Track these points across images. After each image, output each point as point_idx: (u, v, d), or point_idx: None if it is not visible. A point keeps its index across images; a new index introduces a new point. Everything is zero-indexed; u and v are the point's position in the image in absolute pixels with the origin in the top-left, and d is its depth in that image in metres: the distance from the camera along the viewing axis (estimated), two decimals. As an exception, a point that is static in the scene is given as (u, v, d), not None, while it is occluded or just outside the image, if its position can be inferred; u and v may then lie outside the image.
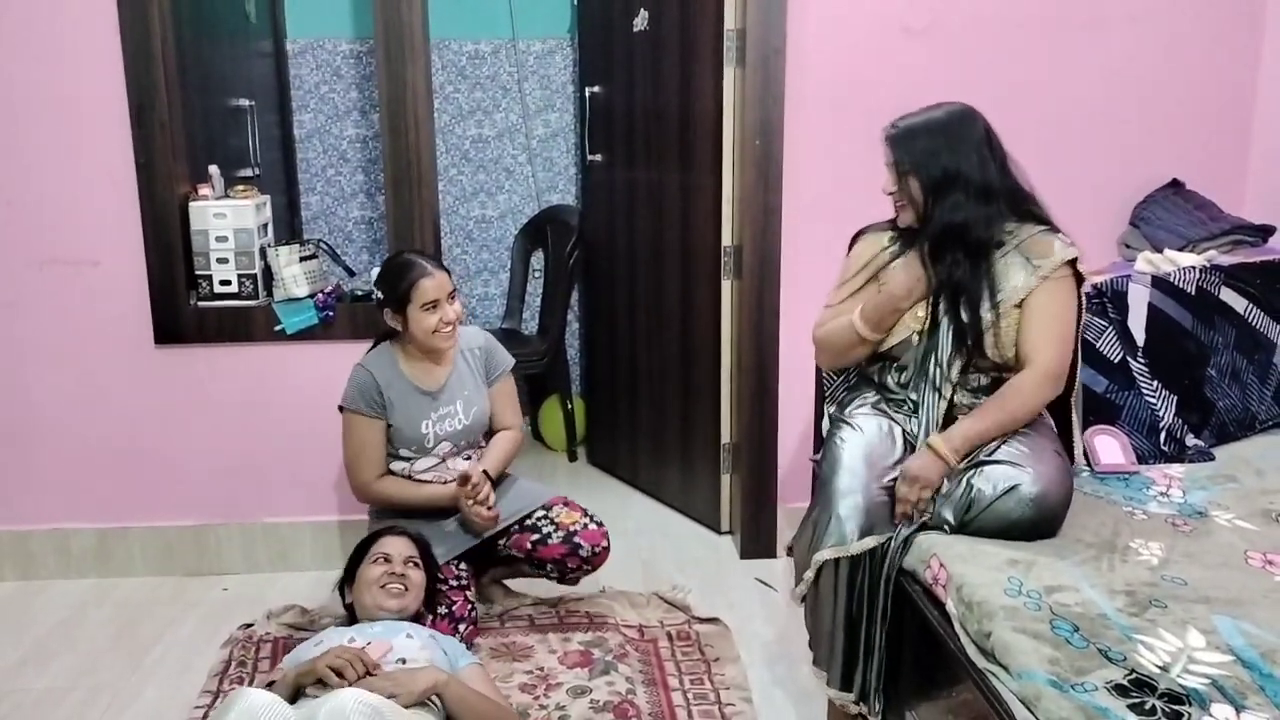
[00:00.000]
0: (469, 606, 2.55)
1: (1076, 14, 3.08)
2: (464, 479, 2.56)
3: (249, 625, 2.78)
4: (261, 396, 3.04)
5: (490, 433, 2.77)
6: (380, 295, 2.60)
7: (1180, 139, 3.20)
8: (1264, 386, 2.63)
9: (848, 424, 2.20)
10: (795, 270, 3.08)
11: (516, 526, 2.68)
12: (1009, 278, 2.14)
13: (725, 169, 3.12)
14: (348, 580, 2.38)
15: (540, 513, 2.69)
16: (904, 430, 2.19)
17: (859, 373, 2.37)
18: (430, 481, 2.66)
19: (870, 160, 3.06)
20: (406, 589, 2.27)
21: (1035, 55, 3.08)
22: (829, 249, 3.09)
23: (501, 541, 2.68)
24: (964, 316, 2.13)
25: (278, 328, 2.95)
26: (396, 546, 2.34)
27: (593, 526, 2.69)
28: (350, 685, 1.92)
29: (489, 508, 2.59)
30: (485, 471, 2.61)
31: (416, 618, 2.34)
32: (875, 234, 2.35)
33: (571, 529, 2.65)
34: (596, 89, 3.74)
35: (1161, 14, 3.10)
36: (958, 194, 2.12)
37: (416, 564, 2.34)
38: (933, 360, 2.17)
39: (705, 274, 3.28)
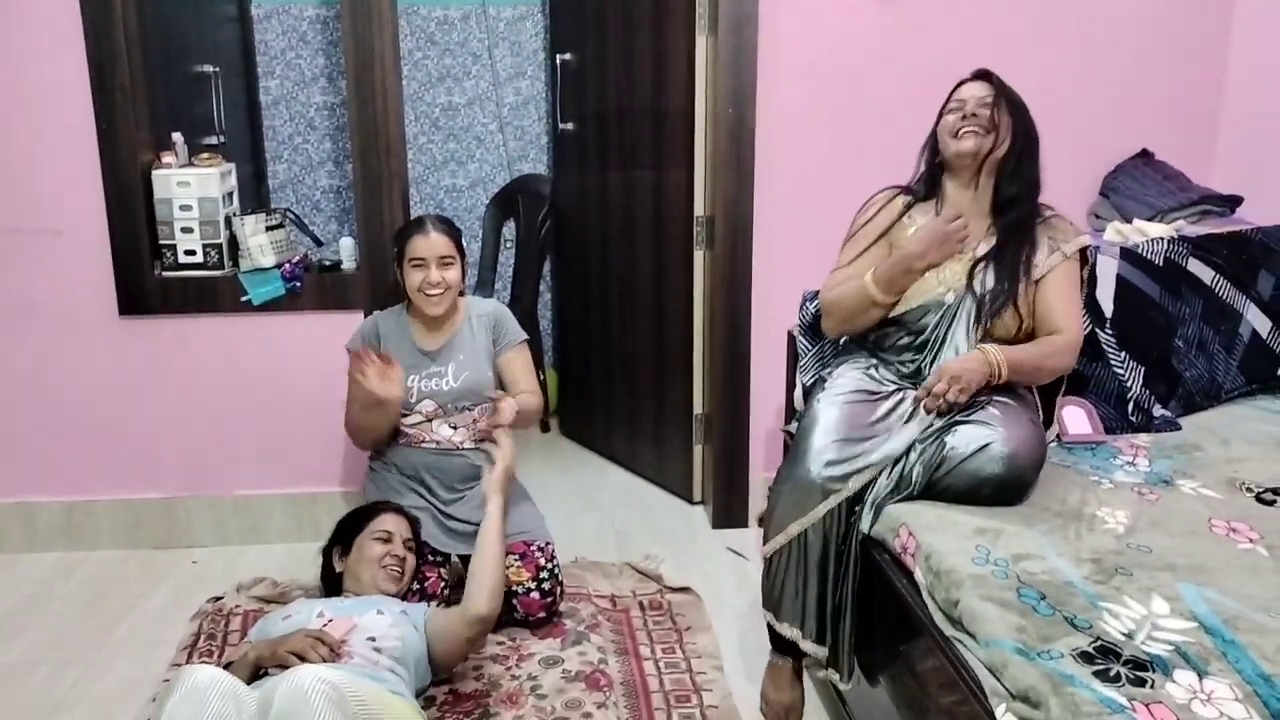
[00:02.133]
0: (442, 584, 2.54)
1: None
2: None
3: (218, 598, 2.77)
4: (229, 368, 3.01)
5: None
6: (394, 252, 2.72)
7: (1150, 109, 3.21)
8: (1230, 357, 2.66)
9: (829, 389, 2.22)
10: (768, 240, 3.07)
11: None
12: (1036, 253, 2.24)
13: (697, 138, 3.10)
14: (340, 546, 2.38)
15: None
16: (893, 397, 2.19)
17: (852, 336, 2.38)
18: (421, 446, 2.65)
19: (842, 128, 3.07)
20: (403, 573, 2.30)
21: (1006, 25, 3.07)
22: (801, 218, 3.10)
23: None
24: (995, 289, 2.18)
25: (244, 298, 2.92)
26: (397, 525, 2.38)
27: (535, 595, 2.55)
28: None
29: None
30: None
31: (420, 578, 2.38)
32: (887, 198, 2.36)
33: (515, 588, 2.54)
34: (568, 56, 3.70)
35: (1132, -16, 3.10)
36: (1037, 159, 2.26)
37: (411, 547, 2.37)
38: (955, 328, 2.20)
39: (678, 243, 3.26)
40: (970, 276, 2.21)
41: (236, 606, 2.72)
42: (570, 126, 3.75)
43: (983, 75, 2.27)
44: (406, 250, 2.62)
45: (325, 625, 2.04)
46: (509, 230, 4.24)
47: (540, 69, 4.19)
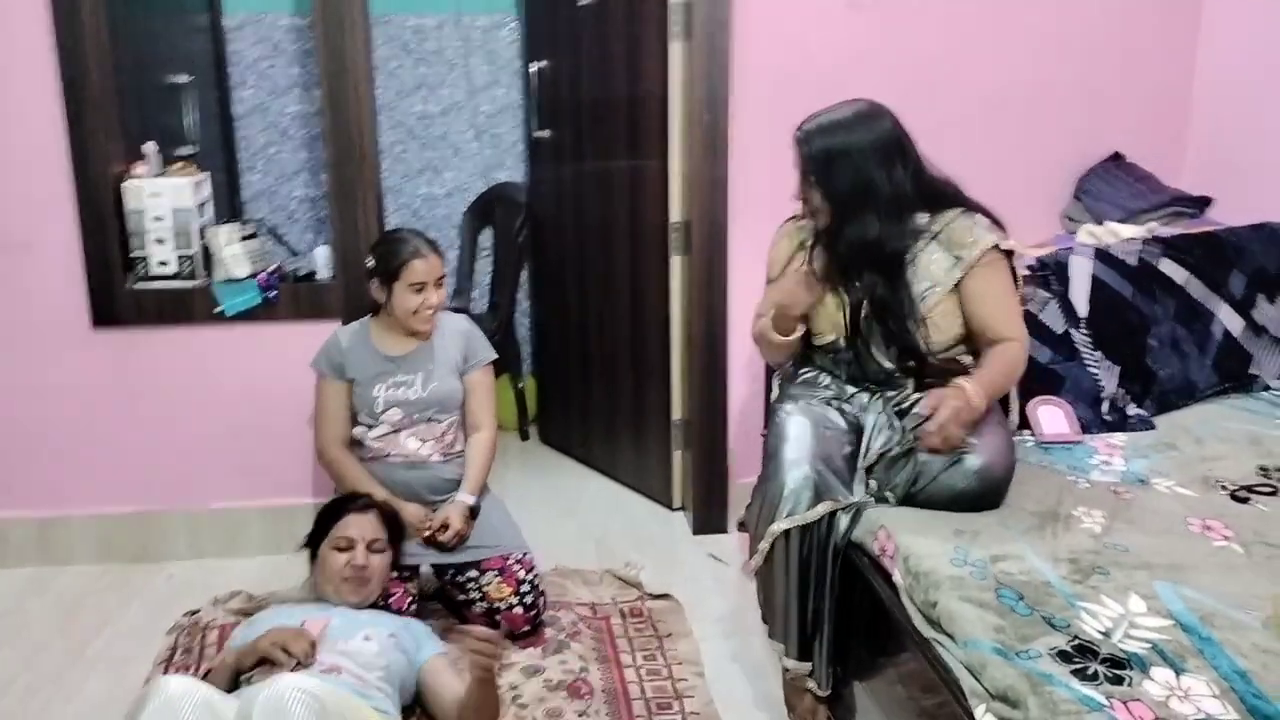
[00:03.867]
0: (409, 599, 2.49)
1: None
2: (430, 527, 2.52)
3: (194, 612, 2.74)
4: (203, 380, 2.98)
5: (464, 426, 2.73)
6: (371, 264, 2.61)
7: (1121, 112, 3.23)
8: (1203, 356, 2.68)
9: (792, 398, 2.22)
10: (743, 245, 3.08)
11: (453, 569, 2.57)
12: (930, 267, 2.16)
13: (672, 144, 3.11)
14: (310, 551, 2.36)
15: (473, 573, 2.55)
16: (855, 399, 2.21)
17: (804, 355, 2.38)
18: (388, 460, 2.62)
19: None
20: (369, 579, 2.26)
21: (978, 29, 3.09)
22: (776, 223, 3.09)
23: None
24: (893, 329, 2.15)
25: (218, 309, 2.89)
26: (361, 527, 2.31)
27: (519, 609, 2.52)
28: (298, 661, 1.90)
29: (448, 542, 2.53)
30: (466, 508, 2.56)
31: (385, 593, 2.34)
32: (790, 228, 2.36)
33: (496, 605, 2.52)
34: (543, 64, 3.70)
35: (1101, -12, 3.13)
36: (868, 210, 2.12)
37: (381, 548, 2.31)
38: (870, 362, 2.20)
39: (654, 250, 3.26)
40: (854, 325, 2.20)
41: (213, 620, 2.69)
42: (546, 134, 3.75)
43: (796, 139, 2.18)
44: (403, 274, 2.53)
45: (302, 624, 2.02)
46: (485, 238, 4.23)
47: (516, 77, 4.19)
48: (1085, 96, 3.20)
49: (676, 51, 3.04)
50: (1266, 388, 2.69)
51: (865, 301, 2.17)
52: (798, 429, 2.12)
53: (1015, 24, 3.11)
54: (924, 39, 3.04)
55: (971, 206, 2.20)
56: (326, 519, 2.35)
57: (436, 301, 2.58)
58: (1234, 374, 2.70)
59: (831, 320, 2.24)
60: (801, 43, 3.02)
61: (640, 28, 3.17)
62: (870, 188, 2.10)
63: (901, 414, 2.19)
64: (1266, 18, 2.98)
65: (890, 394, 2.21)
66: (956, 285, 2.15)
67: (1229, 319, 2.71)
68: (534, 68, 3.72)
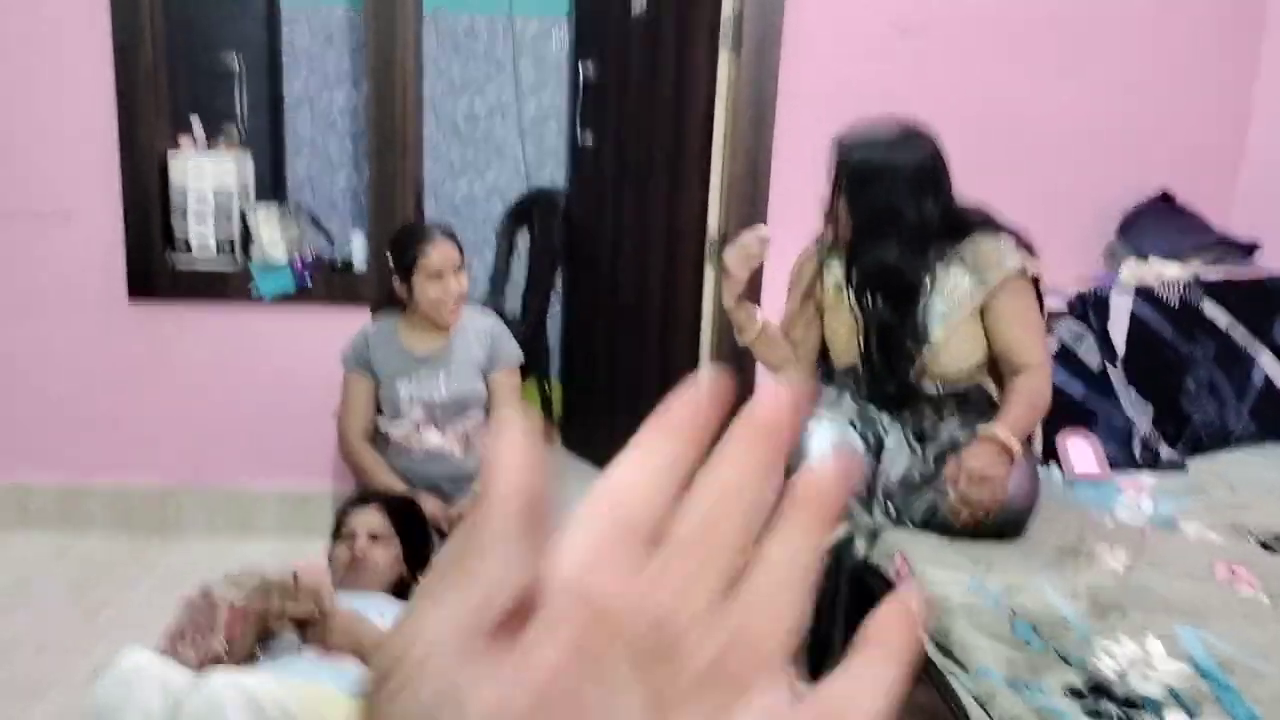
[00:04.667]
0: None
1: (1071, 21, 3.06)
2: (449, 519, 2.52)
3: (207, 589, 2.74)
4: (232, 359, 3.00)
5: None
6: (390, 262, 2.61)
7: (1171, 150, 3.18)
8: (1240, 402, 2.62)
9: (813, 416, 2.19)
10: (779, 262, 3.04)
11: None
12: (954, 291, 2.12)
13: (714, 157, 3.09)
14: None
15: None
16: (879, 420, 2.19)
17: (825, 370, 2.36)
18: (410, 453, 2.62)
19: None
20: (366, 567, 2.24)
21: (1028, 61, 3.06)
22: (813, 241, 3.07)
23: None
24: (891, 360, 2.14)
25: (253, 290, 2.91)
26: (360, 520, 2.30)
27: None
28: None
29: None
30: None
31: (402, 584, 2.32)
32: (812, 253, 2.35)
33: None
34: (590, 70, 3.71)
35: (1160, 23, 3.08)
36: (889, 236, 2.09)
37: (378, 536, 2.29)
38: (888, 383, 2.17)
39: (689, 262, 3.25)
40: (867, 347, 2.18)
41: (224, 597, 2.69)
42: (589, 140, 3.75)
43: (832, 146, 2.16)
44: (421, 263, 2.54)
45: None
46: (522, 241, 4.24)
47: (563, 82, 4.20)
48: (1135, 133, 3.15)
49: (724, 64, 3.03)
50: (1305, 439, 2.63)
51: (871, 326, 2.15)
52: (818, 449, 2.09)
53: (1068, 58, 3.08)
54: (974, 68, 3.02)
55: (1000, 228, 2.16)
56: (336, 522, 2.36)
57: (458, 289, 2.56)
58: (1273, 423, 2.64)
59: (847, 343, 2.21)
60: (851, 64, 3.00)
61: (691, 40, 3.16)
62: (897, 215, 2.07)
63: (921, 437, 2.16)
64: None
65: (909, 415, 2.18)
66: (980, 308, 2.11)
67: (1270, 366, 2.65)
68: (581, 73, 3.72)
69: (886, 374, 2.15)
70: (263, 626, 1.92)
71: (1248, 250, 2.97)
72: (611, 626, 0.25)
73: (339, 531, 2.30)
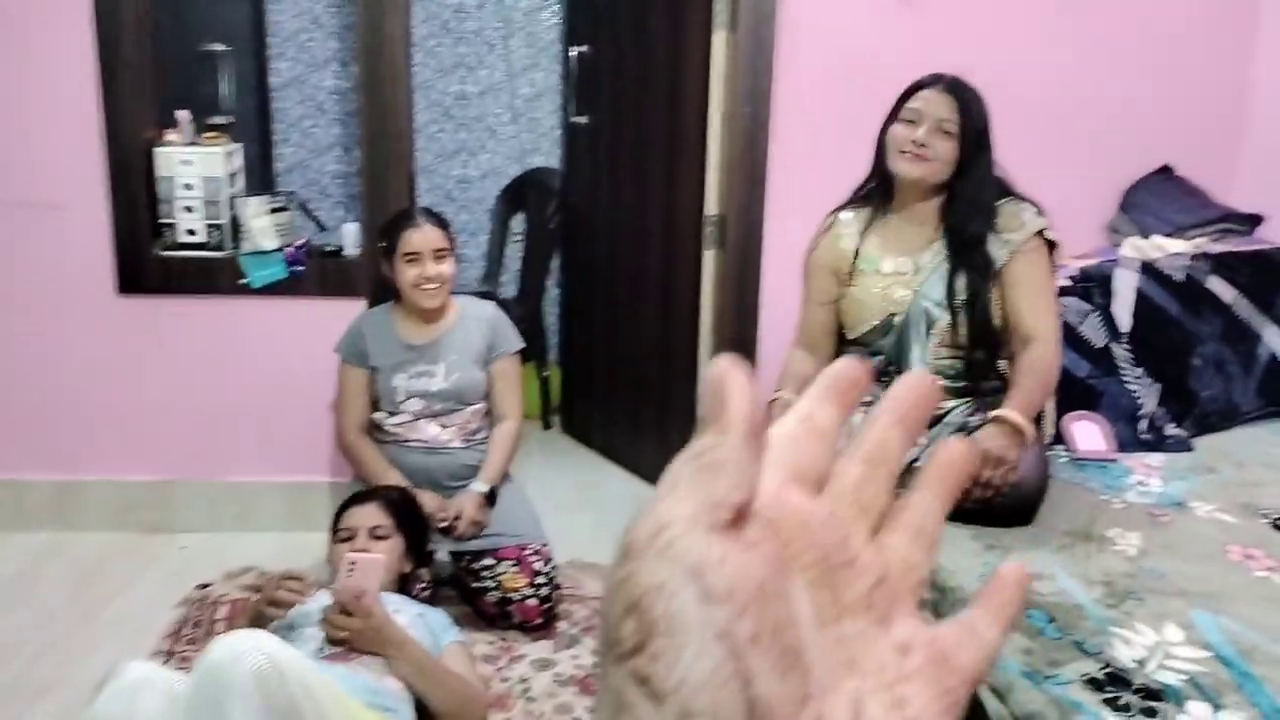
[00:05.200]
0: (421, 585, 2.43)
1: (1072, -5, 3.02)
2: (445, 516, 2.49)
3: (206, 586, 2.72)
4: (226, 351, 2.96)
5: (490, 414, 2.69)
6: (381, 244, 2.62)
7: (1172, 124, 3.14)
8: (1248, 378, 2.60)
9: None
10: (779, 242, 3.02)
11: (469, 555, 2.53)
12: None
13: (711, 136, 3.05)
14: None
15: (489, 561, 2.51)
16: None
17: (837, 355, 2.33)
18: (407, 445, 2.58)
19: (859, 132, 3.00)
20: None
21: (1029, 35, 3.01)
22: (814, 222, 3.03)
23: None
24: (973, 289, 2.10)
25: (244, 281, 2.87)
26: (361, 518, 2.27)
27: (533, 601, 2.48)
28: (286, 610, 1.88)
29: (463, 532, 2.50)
30: (480, 494, 2.52)
31: (404, 581, 2.29)
32: (832, 232, 2.30)
33: (510, 595, 2.48)
34: (584, 49, 3.65)
35: (1158, -3, 3.04)
36: (986, 169, 2.12)
37: (382, 535, 2.26)
38: (915, 341, 2.13)
39: (687, 242, 3.21)
40: (951, 291, 2.14)
41: (224, 595, 2.67)
42: (584, 120, 3.70)
43: (949, 87, 2.13)
44: (399, 244, 2.52)
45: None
46: (518, 224, 4.19)
47: (555, 61, 4.14)
48: (1136, 107, 3.11)
49: (720, 42, 2.98)
50: (1312, 414, 2.61)
51: (962, 260, 2.10)
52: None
53: (1067, 31, 3.03)
54: (974, 41, 2.96)
55: (1018, 195, 2.17)
56: (335, 519, 2.33)
57: (435, 274, 2.51)
58: (1279, 399, 2.61)
59: (870, 307, 2.17)
60: (849, 39, 2.95)
61: (684, 16, 3.11)
62: (990, 150, 2.14)
63: (932, 422, 2.13)
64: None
65: None
66: (999, 272, 2.09)
67: (1275, 341, 2.63)
68: (574, 52, 3.67)
69: (970, 341, 2.12)
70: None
71: (1252, 223, 2.94)
72: (812, 535, 0.31)
73: (338, 530, 2.27)
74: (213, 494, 3.06)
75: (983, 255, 2.09)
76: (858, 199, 2.27)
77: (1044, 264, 2.12)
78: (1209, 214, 2.95)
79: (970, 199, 2.09)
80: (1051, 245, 2.14)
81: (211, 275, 2.87)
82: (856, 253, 2.20)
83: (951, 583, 1.77)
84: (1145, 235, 2.92)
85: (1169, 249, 2.73)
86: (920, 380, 0.35)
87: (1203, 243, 2.82)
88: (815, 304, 2.27)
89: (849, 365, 0.35)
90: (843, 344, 2.28)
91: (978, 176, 2.10)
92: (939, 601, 1.78)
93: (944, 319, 2.11)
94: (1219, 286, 2.62)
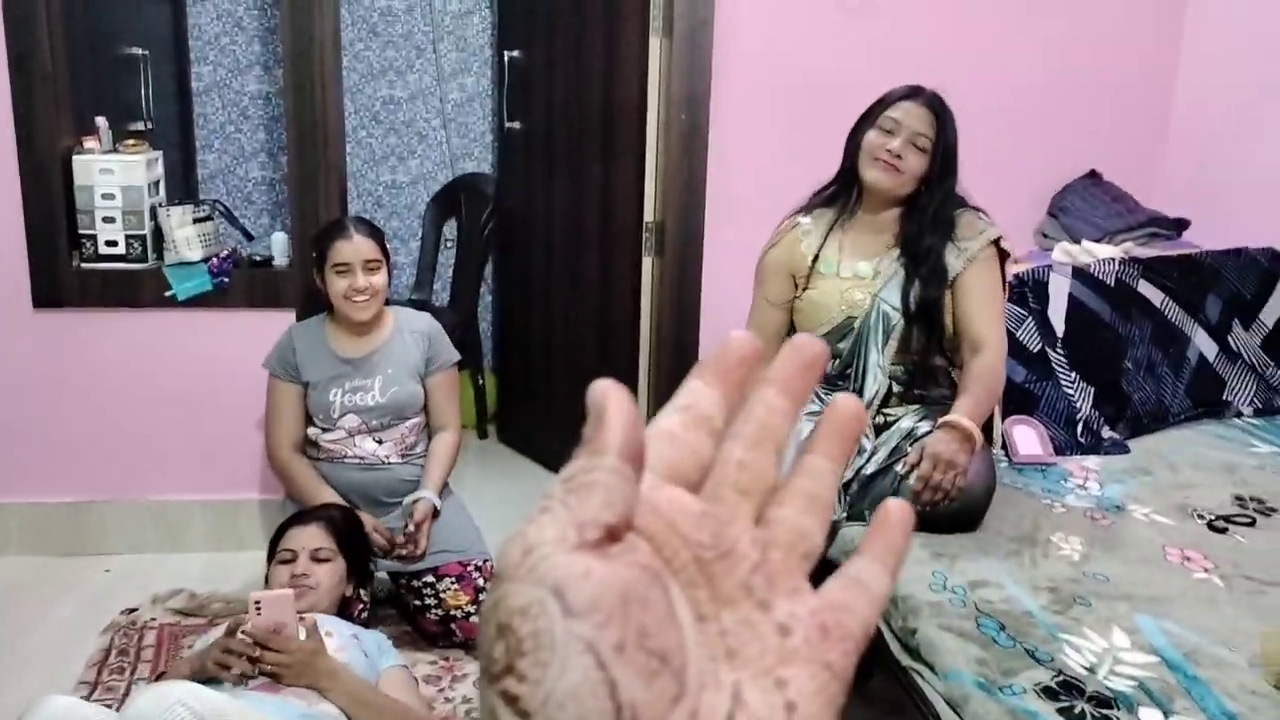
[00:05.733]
0: (360, 606, 2.36)
1: (1003, 3, 3.05)
2: (390, 541, 2.43)
3: (132, 610, 2.61)
4: (150, 366, 2.85)
5: (427, 428, 2.63)
6: (313, 254, 2.55)
7: (1099, 130, 3.21)
8: (1177, 380, 2.66)
9: None
10: (718, 249, 3.01)
11: (409, 574, 2.47)
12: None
13: (649, 142, 3.03)
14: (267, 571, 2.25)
15: (430, 578, 2.45)
16: None
17: None
18: (343, 461, 2.51)
19: (798, 137, 3.02)
20: (313, 587, 2.13)
21: (962, 42, 3.05)
22: (755, 228, 3.03)
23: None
24: (929, 297, 2.11)
25: (168, 293, 2.76)
26: (302, 539, 2.19)
27: (475, 618, 2.42)
28: (236, 675, 1.80)
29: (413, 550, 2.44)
30: (423, 519, 2.45)
31: (345, 604, 2.22)
32: (790, 235, 2.29)
33: (452, 613, 2.43)
34: (516, 53, 3.60)
35: (1085, 5, 3.09)
36: (951, 186, 2.14)
37: (324, 558, 2.19)
38: (868, 350, 2.14)
39: (626, 248, 3.18)
40: (905, 298, 2.15)
41: (151, 620, 2.57)
42: (517, 125, 3.65)
43: (928, 102, 2.14)
44: (329, 255, 2.45)
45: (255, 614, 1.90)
46: (450, 230, 4.12)
47: (486, 65, 4.08)
48: (1064, 113, 3.17)
49: (656, 47, 2.96)
50: (1239, 414, 2.67)
51: (921, 267, 2.11)
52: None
53: (998, 39, 3.07)
54: (907, 48, 2.99)
55: (972, 206, 2.20)
56: (274, 541, 2.25)
57: (364, 285, 2.44)
58: (1207, 400, 2.67)
59: (829, 309, 2.17)
60: (786, 45, 2.95)
61: (619, 22, 3.08)
62: (957, 163, 2.17)
63: (878, 429, 2.13)
64: (1248, 44, 2.96)
65: (868, 404, 2.15)
66: (954, 281, 2.11)
67: (1204, 343, 2.69)
68: (507, 57, 3.62)
69: (923, 347, 2.13)
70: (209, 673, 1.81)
71: (1178, 227, 3.01)
72: (682, 535, 0.31)
73: (278, 551, 2.20)
74: (137, 514, 2.94)
75: (939, 265, 2.09)
76: (820, 202, 2.26)
77: (996, 273, 2.14)
78: (1136, 218, 3.01)
79: (932, 213, 2.10)
80: (1004, 255, 2.16)
81: (133, 288, 2.76)
82: (816, 255, 2.20)
83: (902, 591, 1.77)
84: (1075, 240, 2.97)
85: (1099, 254, 2.78)
86: (806, 344, 0.35)
87: (1130, 247, 2.88)
88: (769, 305, 2.26)
89: (736, 341, 0.35)
90: None
91: (943, 192, 2.11)
92: (890, 614, 1.78)
93: (902, 324, 2.11)
94: (1149, 290, 2.67)
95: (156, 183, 2.80)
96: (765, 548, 0.32)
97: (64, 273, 2.73)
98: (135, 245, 2.74)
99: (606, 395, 0.32)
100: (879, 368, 2.13)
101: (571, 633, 0.28)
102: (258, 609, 1.86)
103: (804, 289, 2.22)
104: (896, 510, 0.35)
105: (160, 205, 2.78)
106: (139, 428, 2.89)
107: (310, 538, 2.18)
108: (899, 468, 2.02)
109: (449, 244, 4.14)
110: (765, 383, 0.34)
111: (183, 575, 2.82)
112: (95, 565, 2.89)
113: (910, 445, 2.04)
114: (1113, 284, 2.65)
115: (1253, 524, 2.08)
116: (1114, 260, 2.71)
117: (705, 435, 0.33)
